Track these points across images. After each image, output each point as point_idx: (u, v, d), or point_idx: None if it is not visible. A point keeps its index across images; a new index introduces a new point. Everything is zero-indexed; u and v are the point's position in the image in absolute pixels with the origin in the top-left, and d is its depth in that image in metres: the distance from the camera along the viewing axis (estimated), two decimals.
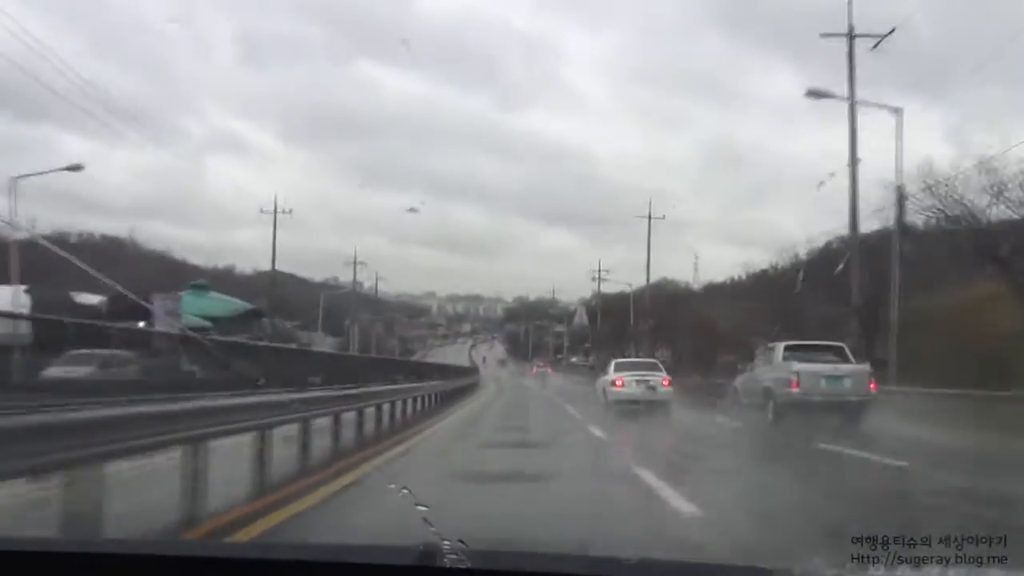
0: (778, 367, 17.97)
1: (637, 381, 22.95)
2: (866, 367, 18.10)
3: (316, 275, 70.29)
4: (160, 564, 2.01)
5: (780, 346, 18.74)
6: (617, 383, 23.13)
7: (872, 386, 17.41)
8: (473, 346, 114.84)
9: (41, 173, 30.62)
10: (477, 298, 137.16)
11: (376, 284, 69.18)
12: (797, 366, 17.33)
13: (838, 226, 28.11)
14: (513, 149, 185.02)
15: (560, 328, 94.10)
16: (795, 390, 16.98)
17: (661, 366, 25.79)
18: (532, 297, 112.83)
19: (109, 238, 43.37)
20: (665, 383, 23.05)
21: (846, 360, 18.13)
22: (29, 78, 29.51)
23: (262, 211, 46.05)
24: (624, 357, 32.29)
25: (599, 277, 62.44)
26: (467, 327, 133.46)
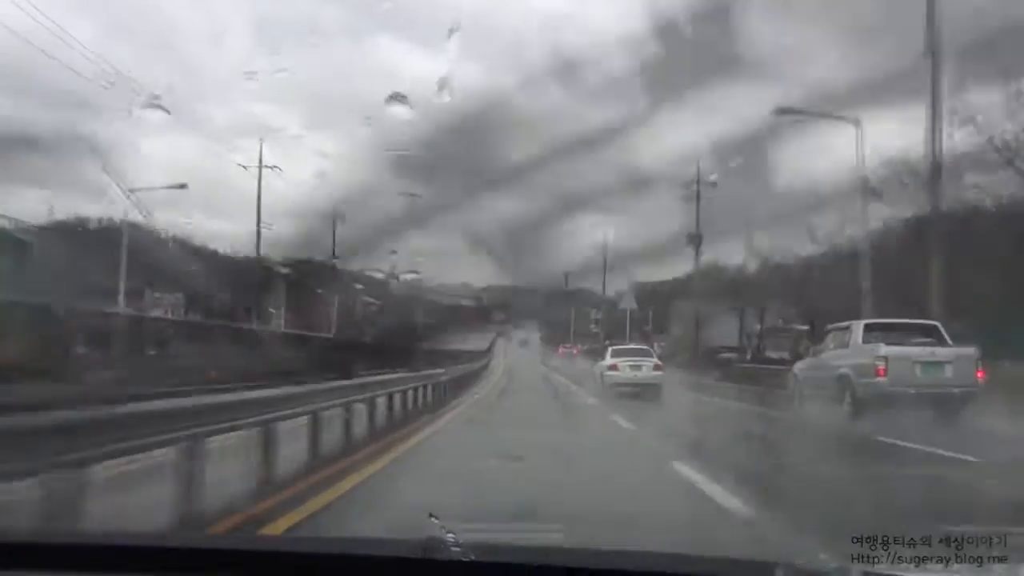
0: (857, 351, 15.03)
1: (631, 366, 25.04)
2: (972, 350, 14.76)
3: (353, 265, 70.66)
4: (166, 556, 2.06)
5: (858, 325, 15.82)
6: (613, 368, 25.26)
7: (980, 374, 14.37)
8: (500, 333, 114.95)
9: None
10: (514, 289, 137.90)
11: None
12: (885, 349, 14.38)
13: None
14: (543, 136, 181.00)
15: (599, 315, 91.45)
16: (882, 379, 14.11)
17: (653, 352, 28.50)
18: (570, 287, 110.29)
19: (131, 224, 43.24)
20: (657, 368, 25.21)
21: (943, 341, 15.03)
22: (52, 63, 29.81)
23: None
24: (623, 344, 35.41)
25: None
26: (500, 315, 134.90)
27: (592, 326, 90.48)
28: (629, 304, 65.57)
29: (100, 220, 44.73)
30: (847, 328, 16.10)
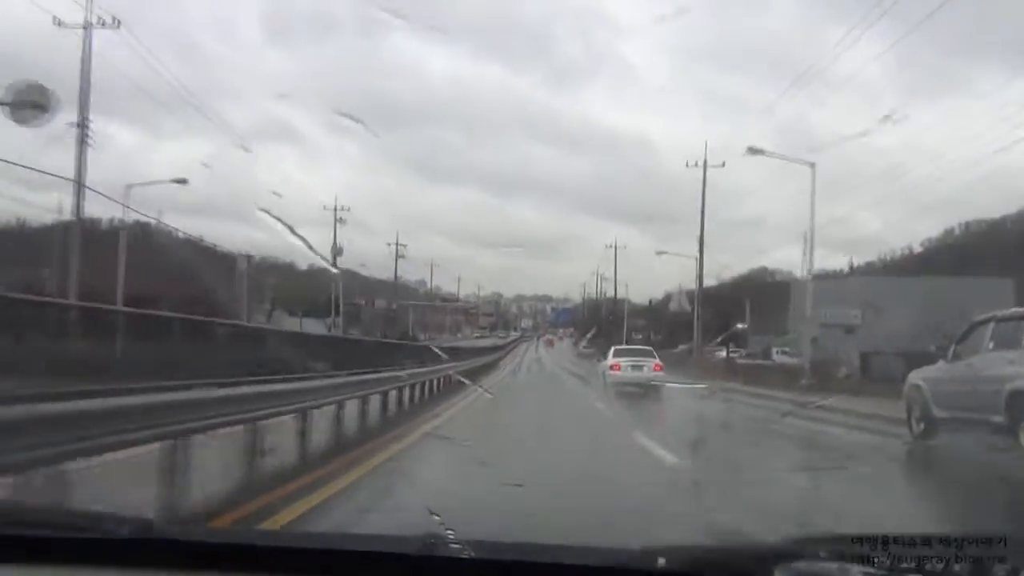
0: None
1: (632, 366, 25.52)
2: None
3: (379, 274, 70.58)
4: (161, 549, 2.07)
5: None
6: (615, 367, 25.62)
7: None
8: (525, 337, 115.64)
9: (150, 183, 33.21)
10: (545, 298, 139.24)
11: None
12: None
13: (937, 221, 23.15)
14: (571, 140, 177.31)
15: (640, 321, 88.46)
16: None
17: (654, 353, 28.61)
18: (601, 296, 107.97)
19: (142, 224, 43.15)
20: (657, 368, 25.67)
21: None
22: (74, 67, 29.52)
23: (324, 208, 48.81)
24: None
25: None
26: (529, 322, 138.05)
27: (635, 333, 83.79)
28: (680, 306, 59.01)
29: (111, 220, 44.81)
30: (1022, 319, 11.24)
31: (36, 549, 2.05)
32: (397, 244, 67.92)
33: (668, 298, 74.32)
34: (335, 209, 55.59)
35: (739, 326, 45.55)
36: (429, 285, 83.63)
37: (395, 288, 72.24)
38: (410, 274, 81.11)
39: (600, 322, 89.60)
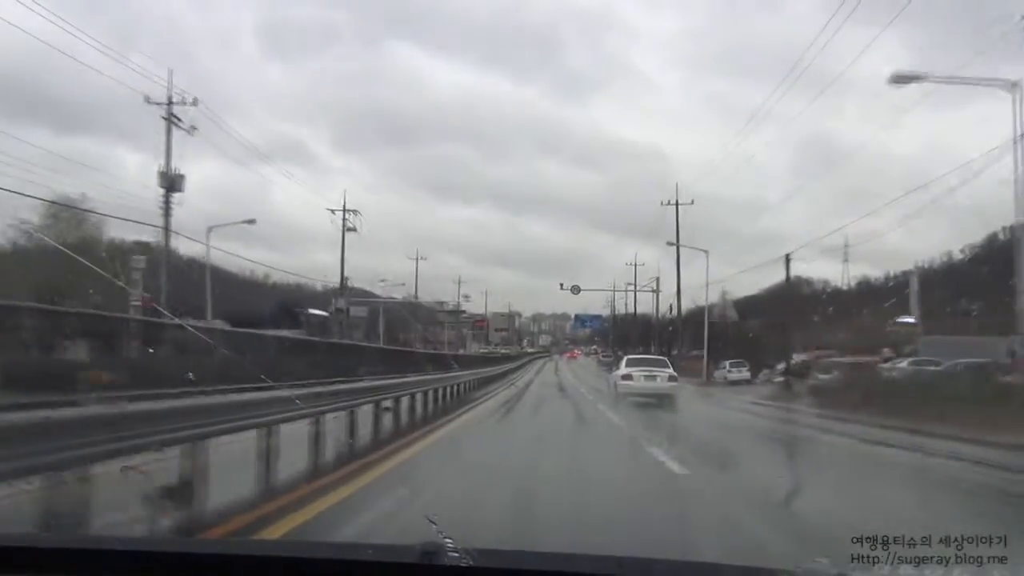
0: None
1: (645, 376, 24.86)
2: None
3: (396, 293, 69.89)
4: (169, 562, 2.06)
5: None
6: (627, 377, 25.02)
7: None
8: (544, 354, 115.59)
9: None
10: (563, 316, 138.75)
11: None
12: None
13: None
14: (584, 156, 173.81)
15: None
16: None
17: (668, 362, 27.56)
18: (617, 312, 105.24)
19: (142, 244, 42.19)
20: (670, 378, 24.94)
21: None
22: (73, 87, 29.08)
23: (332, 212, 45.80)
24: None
25: None
26: (548, 339, 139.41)
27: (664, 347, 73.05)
28: (724, 315, 53.16)
29: (112, 240, 44.22)
30: None
31: (33, 560, 2.03)
32: (344, 211, 49.49)
33: (705, 308, 65.05)
34: (168, 100, 33.42)
35: (907, 320, 30.00)
36: (415, 290, 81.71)
37: (350, 285, 58.70)
38: (425, 295, 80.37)
39: (638, 333, 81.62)
